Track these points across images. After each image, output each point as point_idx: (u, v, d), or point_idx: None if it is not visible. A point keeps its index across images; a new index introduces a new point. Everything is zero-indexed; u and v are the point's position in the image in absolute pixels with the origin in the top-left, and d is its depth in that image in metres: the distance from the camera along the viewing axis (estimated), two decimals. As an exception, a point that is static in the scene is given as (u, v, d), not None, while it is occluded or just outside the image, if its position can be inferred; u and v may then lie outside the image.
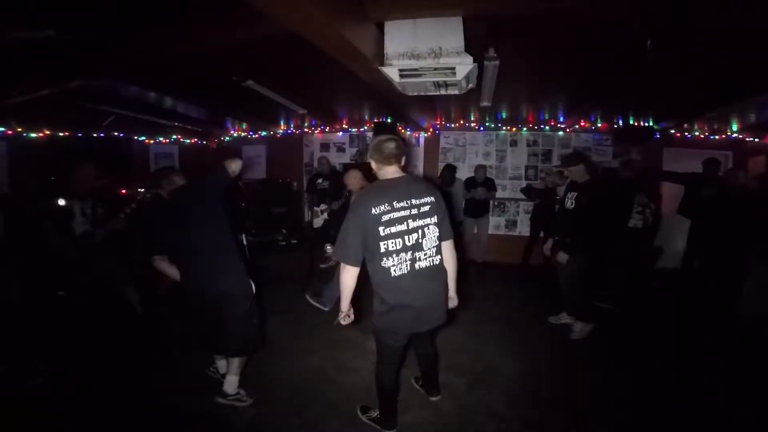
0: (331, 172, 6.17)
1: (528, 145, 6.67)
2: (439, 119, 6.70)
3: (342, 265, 2.13)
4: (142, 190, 3.73)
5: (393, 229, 2.06)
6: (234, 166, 2.55)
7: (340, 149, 7.44)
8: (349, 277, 2.10)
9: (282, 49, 3.29)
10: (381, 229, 2.04)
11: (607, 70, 3.67)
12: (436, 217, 2.18)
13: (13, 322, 2.78)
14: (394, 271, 2.08)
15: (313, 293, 4.21)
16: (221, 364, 2.87)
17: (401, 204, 2.09)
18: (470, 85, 3.16)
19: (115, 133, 6.72)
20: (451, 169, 6.30)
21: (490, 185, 6.17)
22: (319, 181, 6.11)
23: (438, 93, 3.17)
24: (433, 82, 2.89)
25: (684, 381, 2.99)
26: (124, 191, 5.75)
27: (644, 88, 4.22)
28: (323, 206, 5.83)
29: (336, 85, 4.68)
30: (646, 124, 5.86)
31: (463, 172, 6.64)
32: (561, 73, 4.00)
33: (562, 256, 3.68)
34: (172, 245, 2.51)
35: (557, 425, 2.52)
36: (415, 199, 2.14)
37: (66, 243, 3.33)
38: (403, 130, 7.03)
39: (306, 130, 7.52)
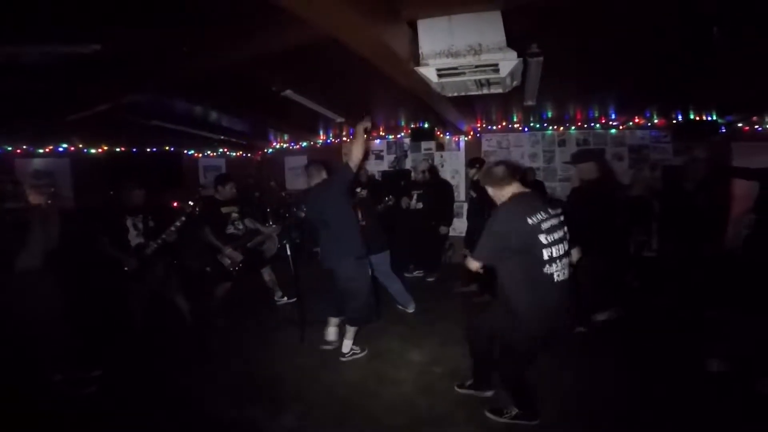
0: (369, 181, 6.12)
1: (578, 144, 6.26)
2: (479, 121, 6.48)
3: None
4: (192, 203, 3.85)
5: (554, 236, 2.20)
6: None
7: (378, 157, 7.39)
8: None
9: (318, 56, 3.29)
10: (543, 237, 2.15)
11: (665, 61, 3.36)
12: (565, 227, 2.33)
13: (69, 330, 2.89)
14: (557, 276, 2.19)
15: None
16: (330, 331, 3.60)
17: (550, 212, 2.24)
18: (515, 83, 2.98)
19: (167, 148, 7.09)
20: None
21: (538, 188, 5.80)
22: (358, 190, 6.08)
23: (480, 92, 3.01)
24: (475, 80, 2.74)
25: None
26: (175, 204, 6.03)
27: (707, 79, 3.83)
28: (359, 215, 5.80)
29: (372, 91, 4.65)
30: (710, 118, 5.32)
31: None
32: (611, 66, 3.70)
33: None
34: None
35: None
36: (552, 209, 2.28)
37: (124, 256, 3.48)
38: (441, 135, 6.87)
39: (344, 139, 7.55)
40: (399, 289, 4.22)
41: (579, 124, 6.18)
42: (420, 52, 2.58)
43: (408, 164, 7.04)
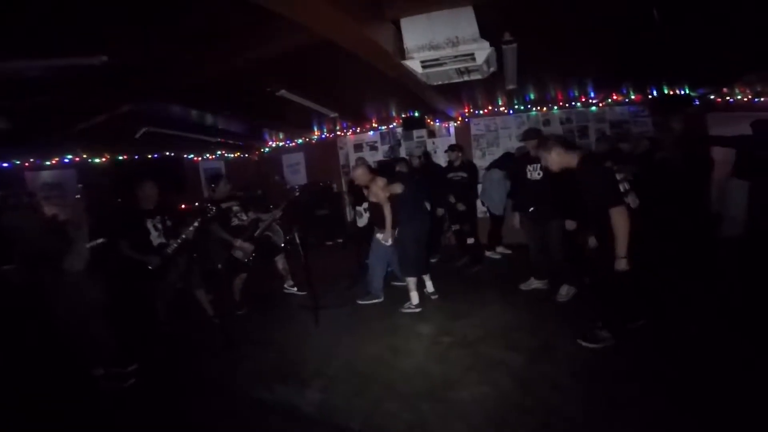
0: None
1: (561, 123, 6.55)
2: (467, 107, 6.74)
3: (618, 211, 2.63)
4: (209, 205, 4.11)
5: None
6: None
7: (373, 148, 7.65)
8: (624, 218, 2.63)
9: (311, 56, 3.51)
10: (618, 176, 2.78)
11: (628, 37, 3.62)
12: None
13: (107, 326, 3.10)
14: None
15: (361, 297, 4.41)
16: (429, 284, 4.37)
17: None
18: (492, 69, 3.25)
19: (167, 153, 7.31)
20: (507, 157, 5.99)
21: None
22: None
23: (462, 80, 3.27)
24: (456, 69, 3.01)
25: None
26: (183, 206, 6.28)
27: (672, 55, 4.10)
28: (365, 205, 6.05)
29: (363, 85, 4.88)
30: (683, 92, 5.61)
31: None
32: (583, 46, 3.96)
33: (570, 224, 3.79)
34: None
35: (623, 398, 2.42)
36: None
37: (145, 256, 3.69)
38: (431, 122, 7.14)
39: (339, 133, 7.80)
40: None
41: (561, 104, 6.45)
42: (405, 47, 2.85)
43: (402, 152, 7.30)
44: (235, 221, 4.47)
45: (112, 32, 2.77)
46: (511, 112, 6.72)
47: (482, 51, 2.79)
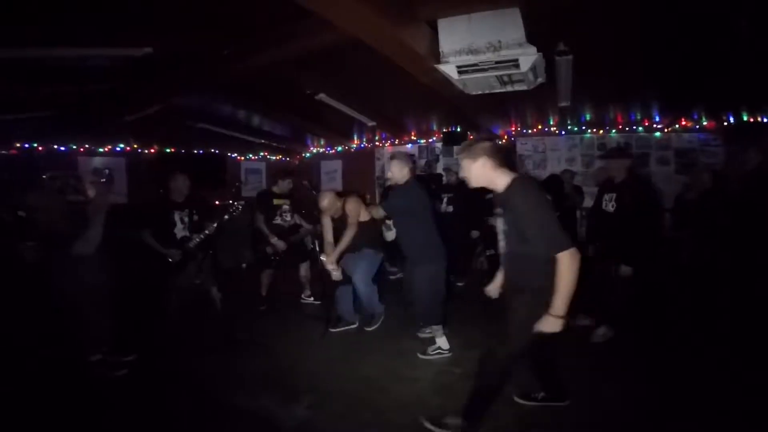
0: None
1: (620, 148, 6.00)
2: (513, 125, 6.38)
3: (564, 257, 1.79)
4: (234, 202, 4.09)
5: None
6: None
7: (411, 160, 7.45)
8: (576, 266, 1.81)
9: (347, 60, 3.44)
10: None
11: (705, 54, 3.18)
12: None
13: (111, 314, 3.09)
14: None
15: (334, 325, 3.92)
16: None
17: None
18: (539, 80, 2.95)
19: (212, 150, 7.56)
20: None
21: (576, 192, 5.45)
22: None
23: (504, 89, 3.01)
24: (497, 77, 2.75)
25: None
26: (217, 202, 6.40)
27: (756, 76, 3.58)
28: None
29: (401, 93, 4.73)
30: (765, 120, 4.93)
31: None
32: (650, 63, 3.55)
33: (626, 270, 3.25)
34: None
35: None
36: None
37: (166, 248, 3.68)
38: (474, 139, 6.82)
39: (377, 143, 7.71)
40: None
41: (620, 127, 5.93)
42: (440, 50, 2.64)
43: (439, 168, 7.04)
44: (278, 220, 4.47)
45: (157, 22, 2.81)
46: (562, 132, 6.27)
47: (527, 57, 2.52)
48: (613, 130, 6.01)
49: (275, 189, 4.57)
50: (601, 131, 6.07)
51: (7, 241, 3.45)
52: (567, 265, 1.77)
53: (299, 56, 3.29)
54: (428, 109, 5.70)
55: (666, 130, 5.71)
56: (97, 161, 6.01)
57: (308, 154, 8.69)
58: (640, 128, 5.84)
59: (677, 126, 5.62)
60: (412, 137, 7.33)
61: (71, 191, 3.50)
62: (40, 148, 5.60)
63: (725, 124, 5.32)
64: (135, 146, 6.40)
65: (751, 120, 5.03)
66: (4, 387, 2.71)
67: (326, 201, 3.57)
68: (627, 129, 5.92)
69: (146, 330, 3.77)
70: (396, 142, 7.53)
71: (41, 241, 2.80)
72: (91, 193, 4.31)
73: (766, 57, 3.14)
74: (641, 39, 3.06)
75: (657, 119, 5.65)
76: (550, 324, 1.82)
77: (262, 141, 7.41)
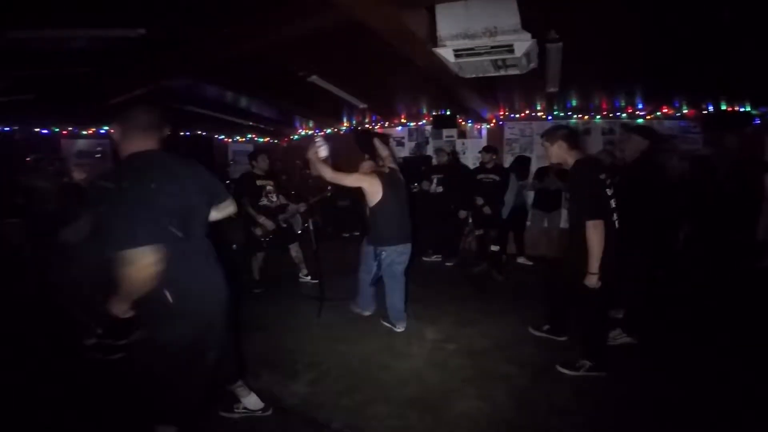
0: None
1: (603, 133, 6.17)
2: (502, 109, 6.46)
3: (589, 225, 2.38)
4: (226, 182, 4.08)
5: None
6: None
7: (399, 143, 7.49)
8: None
9: (341, 42, 3.42)
10: (608, 191, 2.49)
11: (688, 45, 3.29)
12: None
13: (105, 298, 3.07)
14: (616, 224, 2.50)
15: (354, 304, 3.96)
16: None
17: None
18: (532, 65, 3.03)
19: (199, 132, 7.43)
20: (520, 162, 5.77)
21: (562, 176, 5.51)
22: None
23: (498, 74, 3.07)
24: (492, 61, 2.82)
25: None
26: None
27: (735, 67, 3.72)
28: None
29: (394, 76, 4.73)
30: (743, 110, 5.14)
31: (532, 164, 6.12)
32: (635, 53, 3.65)
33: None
34: None
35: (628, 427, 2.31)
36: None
37: None
38: (463, 123, 6.90)
39: (367, 126, 7.68)
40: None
41: (604, 113, 6.07)
42: (438, 34, 2.68)
43: (429, 151, 7.11)
44: (264, 201, 4.46)
45: (152, 2, 2.75)
46: (549, 117, 6.39)
47: (522, 43, 2.59)
48: (598, 116, 6.15)
49: (256, 170, 4.53)
50: (587, 117, 6.21)
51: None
52: (591, 231, 2.35)
53: (294, 38, 3.26)
54: (419, 93, 5.71)
55: (648, 117, 5.89)
56: (81, 143, 5.86)
57: (297, 137, 8.61)
58: (624, 114, 5.99)
59: (659, 113, 5.79)
60: (402, 120, 7.34)
61: (57, 173, 3.46)
62: (21, 131, 5.42)
63: (704, 112, 5.51)
64: (119, 128, 6.24)
65: (729, 109, 5.23)
66: None
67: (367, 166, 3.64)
68: (611, 115, 6.07)
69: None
70: (386, 125, 7.53)
71: (30, 223, 2.75)
72: (76, 175, 4.26)
73: (746, 48, 3.28)
74: (628, 29, 3.15)
75: (640, 106, 5.80)
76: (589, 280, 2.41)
77: (250, 123, 7.32)
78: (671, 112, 5.73)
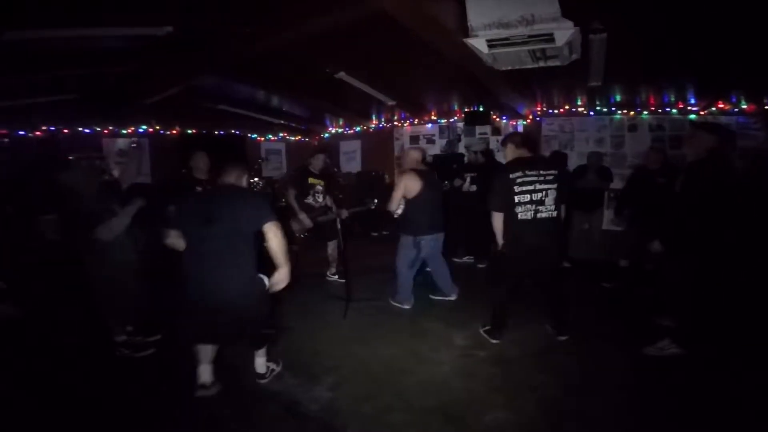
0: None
1: (651, 129, 5.74)
2: (539, 105, 6.15)
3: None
4: (255, 179, 4.09)
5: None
6: None
7: (430, 141, 7.30)
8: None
9: (369, 36, 3.30)
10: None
11: (747, 35, 2.95)
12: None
13: (138, 295, 3.09)
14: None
15: (394, 296, 4.02)
16: None
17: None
18: (574, 56, 2.80)
19: (233, 131, 7.57)
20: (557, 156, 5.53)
21: (604, 174, 5.21)
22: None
23: (536, 65, 2.85)
24: (529, 51, 2.61)
25: None
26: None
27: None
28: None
29: (422, 71, 4.58)
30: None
31: (572, 161, 5.82)
32: (688, 44, 3.33)
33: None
34: None
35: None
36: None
37: None
38: (497, 119, 6.63)
39: (396, 123, 7.57)
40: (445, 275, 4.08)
41: (653, 108, 5.65)
42: (469, 24, 2.51)
43: (461, 148, 6.89)
44: (310, 199, 4.47)
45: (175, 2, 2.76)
46: (591, 113, 6.02)
47: (563, 32, 2.37)
48: (645, 112, 5.73)
49: (311, 168, 4.54)
50: (632, 113, 5.80)
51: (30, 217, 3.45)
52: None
53: (320, 33, 3.18)
54: (450, 88, 5.53)
55: (702, 113, 5.41)
56: (121, 143, 6.09)
57: (327, 135, 8.62)
58: (674, 110, 5.55)
59: (714, 108, 5.31)
60: (432, 117, 7.15)
61: (98, 171, 3.54)
62: (66, 131, 5.69)
63: (766, 108, 5.01)
64: (157, 128, 6.45)
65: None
66: (28, 367, 2.73)
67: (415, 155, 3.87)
68: (660, 111, 5.63)
69: (170, 310, 3.82)
70: (415, 122, 7.39)
71: (68, 220, 2.81)
72: (116, 173, 4.40)
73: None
74: (678, 18, 2.85)
75: (692, 101, 5.34)
76: None
77: (281, 122, 7.39)
78: (728, 107, 5.25)
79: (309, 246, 4.61)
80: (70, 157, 5.16)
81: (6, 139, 5.06)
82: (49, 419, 2.33)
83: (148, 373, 2.86)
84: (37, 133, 5.45)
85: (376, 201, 4.69)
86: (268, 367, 2.71)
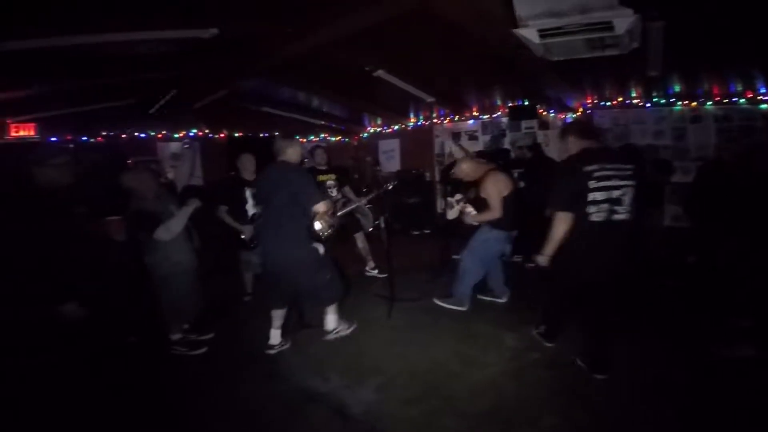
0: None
1: (716, 120, 5.28)
2: (589, 97, 5.83)
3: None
4: None
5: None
6: None
7: (472, 137, 7.14)
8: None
9: (407, 31, 3.23)
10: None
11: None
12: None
13: (193, 294, 3.19)
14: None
15: (441, 296, 3.89)
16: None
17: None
18: (634, 44, 2.60)
19: (276, 133, 7.76)
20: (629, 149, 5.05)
21: (663, 167, 4.79)
22: (453, 171, 5.96)
23: (592, 54, 2.67)
24: (586, 41, 2.45)
25: None
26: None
27: None
28: (458, 196, 5.63)
29: (463, 66, 4.45)
30: None
31: None
32: (753, 29, 3.00)
33: None
34: None
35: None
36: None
37: (240, 225, 3.82)
38: (544, 113, 6.36)
39: (435, 120, 7.46)
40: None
41: (717, 99, 5.19)
42: (517, 14, 2.39)
43: (506, 144, 6.67)
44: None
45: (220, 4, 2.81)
46: (648, 105, 5.63)
47: (623, 19, 2.21)
48: (709, 102, 5.28)
49: (316, 165, 4.50)
50: (694, 103, 5.36)
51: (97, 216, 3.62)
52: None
53: (359, 31, 3.16)
54: (491, 83, 5.35)
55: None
56: (174, 146, 6.41)
57: (366, 134, 8.65)
58: (742, 100, 5.07)
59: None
60: (474, 113, 6.98)
61: (154, 174, 3.71)
62: (123, 135, 6.06)
63: None
64: (206, 131, 6.75)
65: None
66: (83, 364, 2.79)
67: (466, 167, 3.89)
68: (725, 101, 5.16)
69: (223, 310, 3.88)
70: (456, 119, 7.24)
71: (131, 222, 2.97)
72: (170, 175, 4.60)
73: None
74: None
75: (763, 90, 4.85)
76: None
77: (322, 122, 7.49)
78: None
79: (338, 244, 4.55)
80: (129, 161, 5.48)
81: (71, 145, 5.44)
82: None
83: (202, 371, 2.96)
84: (99, 138, 5.84)
85: (395, 182, 4.69)
86: (335, 328, 3.18)
